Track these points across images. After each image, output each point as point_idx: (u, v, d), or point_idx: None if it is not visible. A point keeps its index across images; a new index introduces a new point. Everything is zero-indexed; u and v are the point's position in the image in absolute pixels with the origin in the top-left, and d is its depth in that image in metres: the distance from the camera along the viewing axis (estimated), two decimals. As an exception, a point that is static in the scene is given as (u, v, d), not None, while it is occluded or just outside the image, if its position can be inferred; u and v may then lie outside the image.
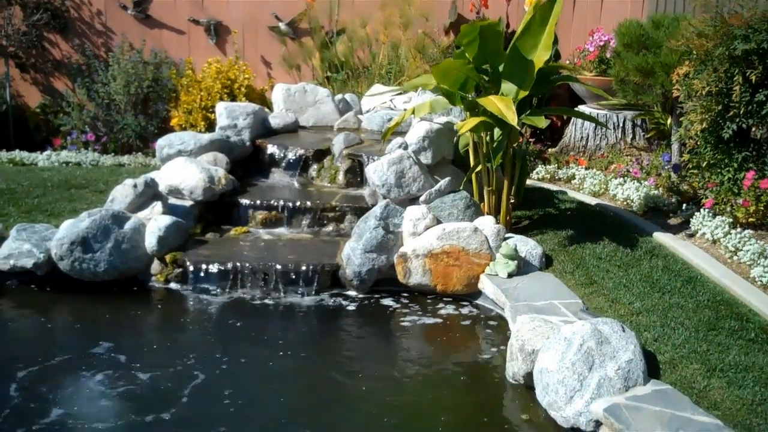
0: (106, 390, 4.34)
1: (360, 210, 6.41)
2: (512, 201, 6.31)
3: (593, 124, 8.56)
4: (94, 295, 5.65)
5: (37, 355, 4.72)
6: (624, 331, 4.19)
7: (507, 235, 5.87)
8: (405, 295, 5.78)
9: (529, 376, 4.32)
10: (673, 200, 6.72)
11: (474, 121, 5.71)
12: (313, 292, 5.73)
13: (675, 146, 7.22)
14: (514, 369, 4.46)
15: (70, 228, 5.69)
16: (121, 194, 6.17)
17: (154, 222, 5.91)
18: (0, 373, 4.47)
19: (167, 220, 5.93)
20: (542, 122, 5.71)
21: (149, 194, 6.24)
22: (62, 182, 7.46)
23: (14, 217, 6.37)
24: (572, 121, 8.90)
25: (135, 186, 6.15)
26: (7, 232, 5.89)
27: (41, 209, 6.65)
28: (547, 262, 5.77)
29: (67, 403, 4.19)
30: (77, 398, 4.23)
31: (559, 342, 4.14)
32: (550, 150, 8.91)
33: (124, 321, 5.35)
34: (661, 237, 6.05)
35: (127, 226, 5.84)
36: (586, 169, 8.04)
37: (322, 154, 7.23)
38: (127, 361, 4.68)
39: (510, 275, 5.50)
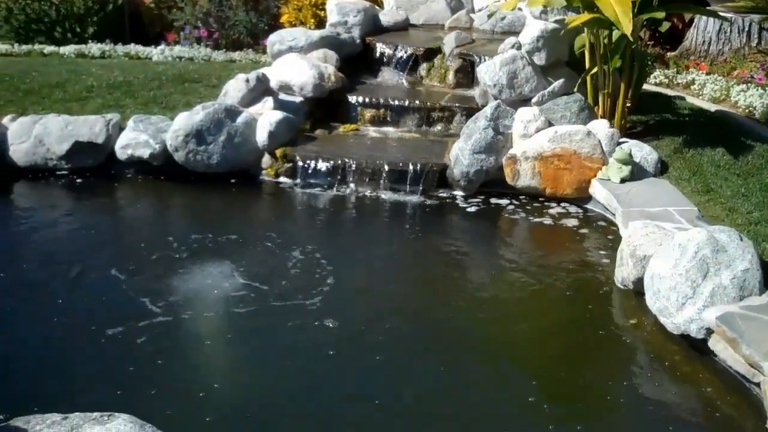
0: (224, 274, 4.47)
1: (469, 110, 6.30)
2: (628, 105, 6.11)
3: (716, 28, 8.15)
4: (206, 186, 5.81)
5: (155, 240, 4.91)
6: (741, 240, 4.05)
7: (621, 140, 5.70)
8: (512, 197, 5.72)
9: (639, 281, 4.24)
10: (800, 108, 6.41)
11: (587, 16, 5.49)
12: (420, 191, 5.72)
13: (806, 52, 6.83)
14: (623, 274, 4.39)
15: (185, 120, 5.81)
16: (234, 89, 6.24)
17: (265, 117, 5.97)
18: (120, 256, 4.67)
19: (278, 115, 5.98)
20: (662, 17, 5.43)
21: (260, 89, 6.29)
22: (176, 76, 7.58)
23: (131, 109, 6.53)
24: (694, 23, 8.49)
25: (247, 81, 6.21)
26: (124, 122, 6.06)
27: (156, 102, 6.80)
28: (662, 169, 5.59)
29: (182, 285, 4.35)
30: (195, 281, 4.39)
31: (673, 248, 4.04)
32: (669, 54, 8.55)
33: (237, 211, 5.54)
34: (784, 146, 5.79)
35: (239, 120, 5.92)
36: (707, 74, 7.70)
37: (432, 53, 7.11)
38: (242, 246, 4.82)
39: (623, 180, 5.36)
